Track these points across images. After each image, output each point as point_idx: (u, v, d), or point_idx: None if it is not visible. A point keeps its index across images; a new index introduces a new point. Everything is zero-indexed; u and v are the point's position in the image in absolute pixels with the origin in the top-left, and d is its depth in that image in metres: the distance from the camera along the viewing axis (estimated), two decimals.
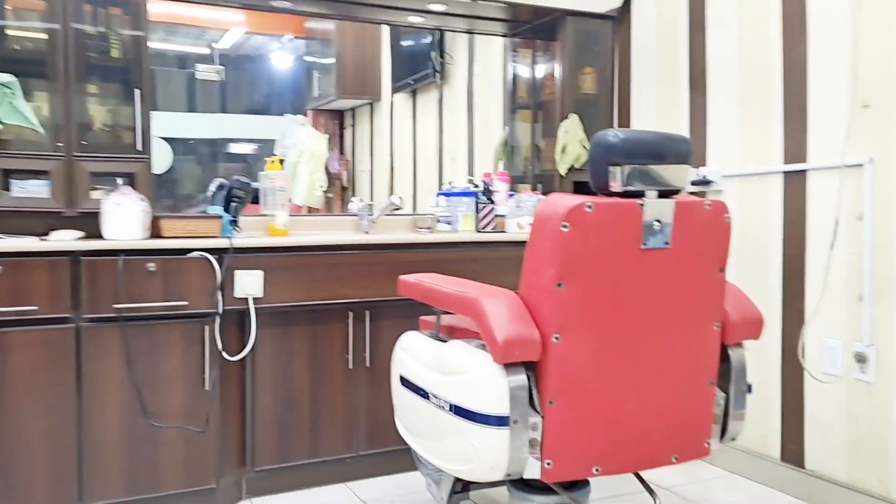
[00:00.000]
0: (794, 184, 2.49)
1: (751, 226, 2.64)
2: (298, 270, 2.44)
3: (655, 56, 3.09)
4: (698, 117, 2.88)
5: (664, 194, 1.66)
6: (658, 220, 1.64)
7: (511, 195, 3.12)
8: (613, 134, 1.64)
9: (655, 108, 3.10)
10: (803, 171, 2.46)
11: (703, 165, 2.83)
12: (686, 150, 1.70)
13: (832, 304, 2.37)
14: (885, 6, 2.19)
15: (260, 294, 2.37)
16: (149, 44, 2.47)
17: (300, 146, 3.92)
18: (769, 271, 2.58)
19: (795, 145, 2.49)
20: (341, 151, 4.63)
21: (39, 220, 2.34)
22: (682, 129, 2.94)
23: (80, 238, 2.26)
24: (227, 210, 2.52)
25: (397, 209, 3.04)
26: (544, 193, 3.14)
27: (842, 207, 2.33)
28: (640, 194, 1.63)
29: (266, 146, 4.04)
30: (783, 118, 2.53)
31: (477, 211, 3.02)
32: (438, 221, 3.09)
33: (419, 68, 4.03)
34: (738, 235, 2.67)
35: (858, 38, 2.26)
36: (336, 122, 4.62)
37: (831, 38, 2.36)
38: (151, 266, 2.22)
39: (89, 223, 2.32)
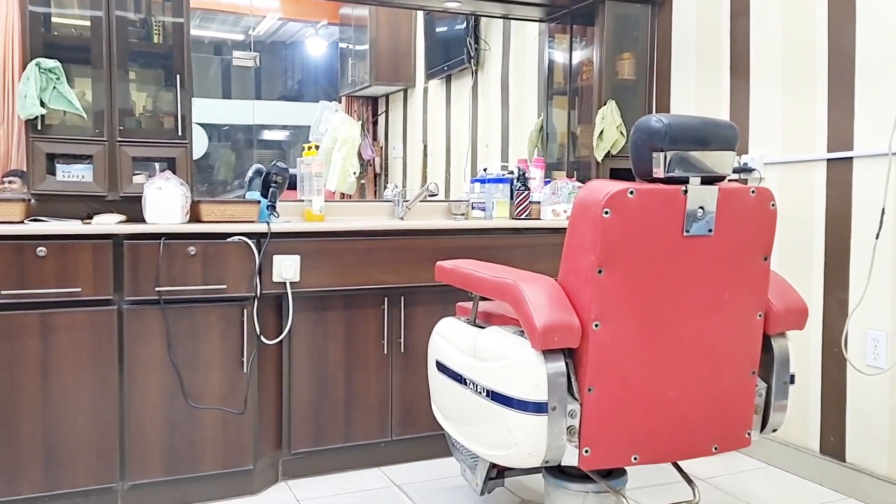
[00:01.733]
0: (839, 172, 2.44)
1: (793, 214, 2.59)
2: (334, 255, 2.46)
3: (696, 41, 3.03)
4: (740, 103, 2.82)
5: (707, 181, 1.64)
6: (702, 208, 1.62)
7: (547, 182, 3.10)
8: (657, 119, 1.61)
9: (695, 94, 3.05)
10: (849, 159, 2.40)
11: (745, 153, 2.78)
12: (732, 137, 1.67)
13: (877, 295, 2.31)
14: None
15: (297, 278, 2.39)
16: (190, 30, 2.49)
17: (333, 132, 3.92)
18: (811, 260, 2.53)
19: (840, 132, 2.43)
20: (374, 138, 4.64)
21: (83, 204, 2.38)
22: (722, 115, 2.89)
23: (121, 222, 2.30)
24: (264, 195, 2.54)
25: (433, 195, 3.03)
26: (580, 180, 3.11)
27: (889, 196, 2.27)
28: (683, 181, 1.61)
29: (300, 132, 4.06)
30: (828, 104, 2.47)
31: (512, 197, 3.01)
32: (473, 208, 3.08)
33: (454, 54, 4.01)
34: (780, 224, 2.61)
35: None
36: (369, 109, 4.64)
37: (881, 22, 2.29)
38: (192, 250, 2.25)
39: (131, 207, 2.35)
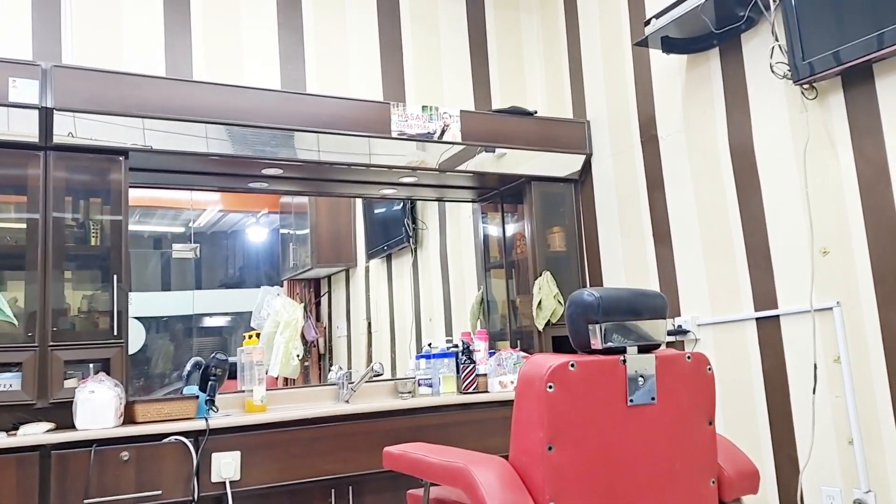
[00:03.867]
0: (769, 330, 2.54)
1: (732, 374, 2.65)
2: (277, 448, 2.36)
3: (618, 213, 3.23)
4: (667, 269, 2.97)
5: (644, 349, 1.68)
6: (641, 376, 1.64)
7: (491, 353, 3.12)
8: (589, 293, 1.67)
9: (623, 262, 3.20)
10: (776, 317, 2.51)
11: (678, 315, 2.88)
12: (662, 305, 1.74)
13: (824, 449, 2.33)
14: (827, 158, 2.35)
15: (237, 476, 2.27)
16: (128, 228, 2.52)
17: (276, 316, 3.92)
18: (756, 419, 2.56)
19: (765, 292, 2.56)
20: (318, 318, 4.63)
21: (9, 414, 2.26)
22: (651, 281, 3.02)
23: (50, 430, 2.18)
24: (203, 389, 2.46)
25: (378, 375, 3.00)
26: (524, 350, 3.14)
27: (818, 351, 2.36)
28: (621, 350, 1.65)
29: (241, 318, 4.03)
30: (748, 266, 2.62)
31: (458, 371, 3.00)
32: (420, 385, 3.05)
33: (393, 235, 4.15)
34: (721, 384, 2.67)
35: (809, 187, 2.40)
36: (312, 290, 4.66)
37: (784, 190, 2.50)
38: (125, 455, 2.13)
39: (62, 413, 2.25)
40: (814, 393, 2.35)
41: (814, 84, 2.37)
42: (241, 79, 3.06)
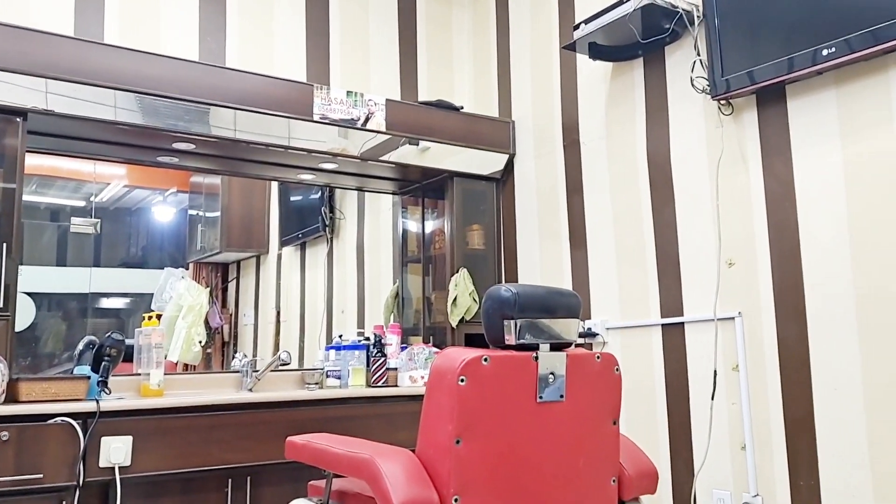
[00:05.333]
0: (673, 336, 2.61)
1: (636, 377, 2.72)
2: (172, 434, 2.25)
3: (537, 215, 3.26)
4: (581, 272, 3.01)
5: (556, 347, 1.69)
6: (552, 373, 1.65)
7: (403, 348, 3.08)
8: (506, 288, 1.66)
9: (540, 263, 3.23)
10: (681, 324, 2.59)
11: (588, 318, 2.93)
12: (576, 305, 1.75)
13: (718, 454, 2.42)
14: (738, 173, 2.44)
15: (128, 462, 2.15)
16: (22, 197, 2.35)
17: (179, 300, 3.75)
18: (657, 422, 2.63)
19: (672, 299, 2.63)
20: (224, 305, 4.47)
21: None
22: (565, 283, 3.06)
23: None
24: (95, 370, 2.32)
25: (285, 364, 2.92)
26: (436, 346, 3.12)
27: (719, 359, 2.44)
28: (533, 347, 1.65)
29: (141, 300, 3.84)
30: (657, 274, 2.69)
31: (368, 364, 2.95)
32: (328, 376, 2.99)
33: (308, 222, 4.05)
34: (626, 387, 2.73)
35: (719, 200, 2.49)
36: (219, 275, 4.49)
37: (696, 202, 2.58)
38: (4, 435, 1.98)
39: None
40: (712, 399, 2.43)
41: (730, 101, 2.45)
42: (157, 46, 2.91)
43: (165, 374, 2.58)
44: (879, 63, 2.09)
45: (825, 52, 2.10)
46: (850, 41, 2.05)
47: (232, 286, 4.48)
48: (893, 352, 2.02)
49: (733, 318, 2.40)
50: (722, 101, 2.46)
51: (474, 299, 3.16)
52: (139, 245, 4.48)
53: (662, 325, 2.64)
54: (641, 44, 2.67)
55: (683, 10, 2.50)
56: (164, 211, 4.39)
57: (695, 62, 2.54)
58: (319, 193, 3.98)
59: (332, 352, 3.02)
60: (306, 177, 3.33)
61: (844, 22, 2.07)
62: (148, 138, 2.76)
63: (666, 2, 2.49)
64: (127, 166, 3.59)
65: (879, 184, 2.08)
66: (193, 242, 4.34)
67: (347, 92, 2.95)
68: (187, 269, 4.24)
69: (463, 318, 3.15)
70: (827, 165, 2.20)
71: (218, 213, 4.20)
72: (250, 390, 2.79)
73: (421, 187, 3.48)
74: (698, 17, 2.50)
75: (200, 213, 4.35)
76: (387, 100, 3.04)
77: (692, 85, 2.56)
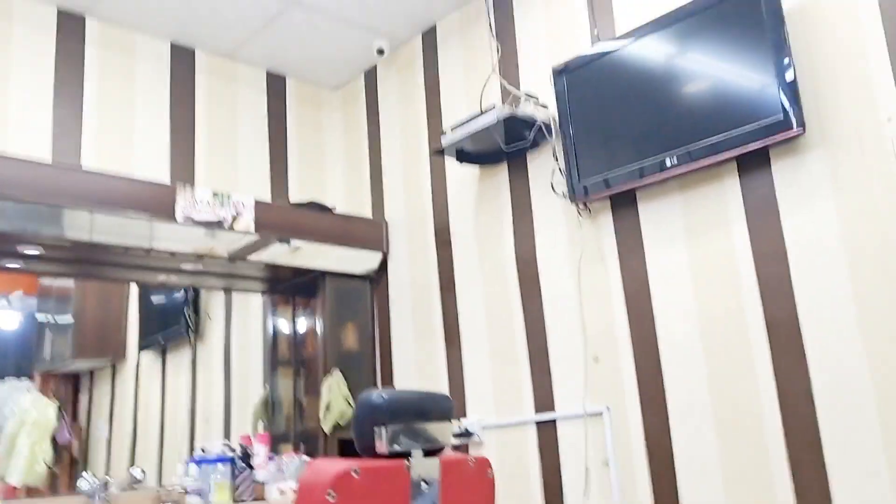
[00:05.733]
0: (546, 433, 2.63)
1: (512, 476, 2.70)
2: None
3: (412, 313, 3.26)
4: (456, 371, 3.01)
5: (429, 452, 1.65)
6: (425, 480, 1.60)
7: (272, 458, 2.92)
8: (377, 394, 1.63)
9: (416, 363, 3.20)
10: (553, 421, 2.62)
11: (464, 416, 2.91)
12: (448, 408, 1.73)
13: None
14: (598, 271, 2.56)
15: None
16: None
17: (23, 415, 3.41)
18: None
19: (544, 395, 2.67)
20: (74, 418, 4.10)
21: None
22: (441, 382, 3.04)
23: None
24: None
25: (138, 482, 2.68)
26: (308, 453, 2.98)
27: (589, 455, 2.48)
28: (406, 454, 1.61)
29: None
30: (530, 370, 2.73)
31: (233, 478, 2.76)
32: (188, 493, 2.76)
33: (171, 324, 3.84)
34: (501, 487, 2.70)
35: (582, 296, 2.59)
36: (70, 386, 4.13)
37: (561, 299, 2.67)
38: None
39: None
40: (585, 496, 2.45)
41: (587, 204, 2.60)
42: (5, 146, 2.75)
43: (3, 499, 2.29)
44: (715, 172, 2.29)
45: (668, 163, 2.29)
46: (690, 152, 2.25)
47: (84, 398, 4.13)
48: (747, 438, 2.13)
49: (601, 413, 2.46)
50: (580, 204, 2.60)
51: (349, 403, 3.07)
52: None
53: (536, 422, 2.67)
54: (505, 151, 2.81)
55: (542, 121, 2.66)
56: (7, 316, 4.03)
57: (554, 169, 2.69)
58: (183, 293, 3.80)
59: (193, 466, 2.81)
60: (169, 278, 3.18)
61: (685, 134, 2.27)
62: None
63: (525, 114, 2.64)
64: None
65: (722, 279, 2.24)
66: (41, 351, 3.98)
67: (214, 193, 2.88)
68: (33, 380, 3.87)
69: (337, 423, 3.04)
70: (676, 263, 2.35)
71: (70, 318, 3.90)
72: None
73: (292, 286, 3.40)
74: (555, 127, 2.67)
75: (50, 318, 4.02)
76: (256, 201, 3.00)
77: (553, 189, 2.70)
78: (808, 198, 2.10)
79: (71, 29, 3.02)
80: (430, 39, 3.34)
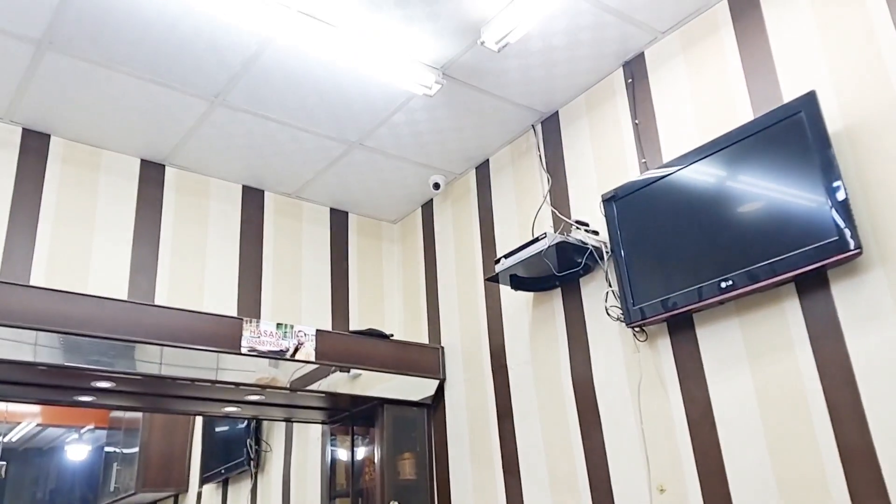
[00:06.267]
0: None
1: None
2: None
3: (469, 441, 3.21)
4: (515, 501, 2.92)
5: None
6: None
7: None
8: None
9: (472, 491, 3.12)
10: None
11: None
12: None
13: None
14: (659, 397, 2.50)
15: None
16: None
17: None
18: None
19: None
20: None
21: None
22: None
23: None
24: None
25: None
26: None
27: None
28: None
29: None
30: (591, 501, 2.63)
31: None
32: None
33: (233, 457, 3.87)
34: None
35: (644, 424, 2.52)
36: None
37: (622, 427, 2.60)
38: None
39: None
40: None
41: (644, 328, 2.58)
42: (86, 286, 2.94)
43: None
44: (773, 294, 2.27)
45: (724, 284, 2.28)
46: (747, 273, 2.24)
47: None
48: None
49: None
50: (636, 329, 2.59)
51: None
52: (47, 488, 4.15)
53: None
54: (557, 276, 2.85)
55: (593, 246, 2.71)
56: (78, 449, 4.14)
57: (607, 292, 2.71)
58: (245, 424, 3.85)
59: None
60: (232, 409, 3.24)
61: (739, 256, 2.27)
62: (66, 377, 2.68)
63: (576, 240, 2.70)
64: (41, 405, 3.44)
65: (789, 403, 2.16)
66: (107, 483, 4.05)
67: (277, 324, 2.98)
68: None
69: None
70: (740, 387, 2.29)
71: (136, 450, 3.98)
72: None
73: (351, 415, 3.42)
74: (607, 252, 2.71)
75: (118, 450, 4.11)
76: (317, 330, 3.08)
77: (607, 313, 2.70)
78: (871, 318, 2.05)
79: (151, 176, 3.28)
80: (483, 173, 3.49)
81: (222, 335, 2.83)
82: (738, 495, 2.22)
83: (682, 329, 2.49)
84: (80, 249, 2.99)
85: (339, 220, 3.82)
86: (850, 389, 2.05)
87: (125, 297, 2.99)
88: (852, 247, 2.03)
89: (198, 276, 3.26)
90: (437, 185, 3.57)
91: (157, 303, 3.06)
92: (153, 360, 2.79)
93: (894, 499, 1.91)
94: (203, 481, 4.07)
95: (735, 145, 2.36)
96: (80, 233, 3.01)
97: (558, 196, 3.06)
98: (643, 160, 2.74)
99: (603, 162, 2.91)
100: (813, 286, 2.19)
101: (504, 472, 3.00)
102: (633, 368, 2.61)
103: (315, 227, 3.73)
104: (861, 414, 2.02)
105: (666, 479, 2.42)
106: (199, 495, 4.10)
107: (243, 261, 3.41)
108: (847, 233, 2.04)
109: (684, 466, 2.38)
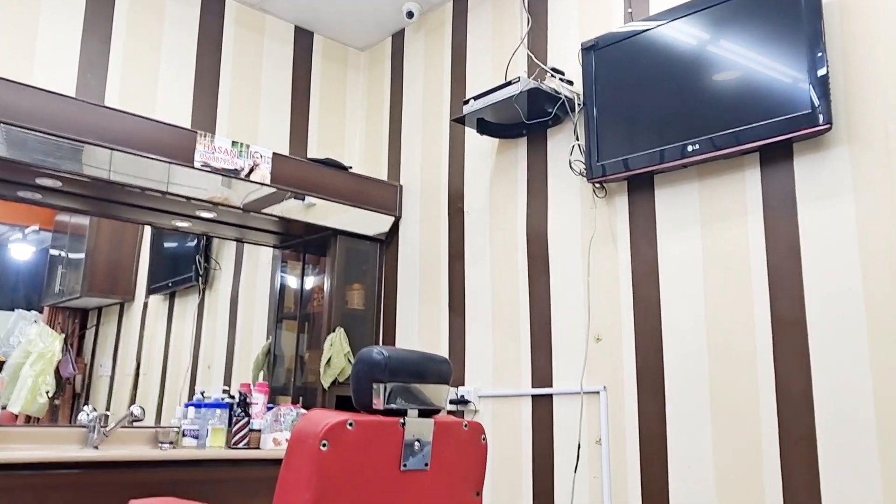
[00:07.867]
0: (542, 407, 2.65)
1: (504, 447, 2.73)
2: (1, 494, 2.03)
3: (419, 279, 3.27)
4: (458, 339, 3.03)
5: (424, 413, 1.67)
6: (418, 440, 1.62)
7: (270, 408, 2.96)
8: (378, 351, 1.64)
9: (418, 326, 3.22)
10: (549, 396, 2.64)
11: (462, 385, 2.93)
12: (447, 371, 1.74)
13: None
14: (608, 252, 2.56)
15: None
16: None
17: (28, 346, 3.47)
18: (521, 493, 2.64)
19: (542, 370, 2.68)
20: (79, 353, 4.16)
21: None
22: (442, 348, 3.06)
23: None
24: None
25: (138, 420, 2.73)
26: (306, 407, 3.02)
27: (583, 432, 2.50)
28: (402, 412, 1.62)
29: None
30: (530, 345, 2.74)
31: (230, 424, 2.81)
32: (184, 435, 2.81)
33: (181, 272, 3.87)
34: (493, 457, 2.73)
35: (590, 276, 2.59)
36: (77, 321, 4.19)
37: (569, 278, 2.67)
38: None
39: None
40: (575, 472, 2.47)
41: (604, 184, 2.58)
42: (31, 77, 2.76)
43: (2, 426, 2.34)
44: (737, 162, 2.27)
45: (690, 149, 2.27)
46: (713, 140, 2.23)
47: (90, 334, 4.18)
48: (741, 433, 2.14)
49: (598, 392, 2.48)
50: (597, 185, 2.59)
51: (349, 360, 3.10)
52: None
53: (532, 395, 2.68)
54: (526, 124, 2.79)
55: (566, 96, 2.65)
56: (21, 249, 4.07)
57: (574, 146, 2.68)
58: (195, 242, 3.83)
59: (192, 409, 2.85)
60: (183, 224, 3.21)
61: (709, 122, 2.25)
62: (9, 172, 2.57)
63: (550, 88, 2.62)
64: None
65: (732, 270, 2.23)
66: (52, 285, 4.03)
67: (233, 142, 2.89)
68: (41, 312, 3.93)
69: (336, 379, 3.07)
70: (687, 250, 2.35)
71: (82, 255, 3.94)
72: (96, 447, 2.58)
73: (303, 242, 3.42)
74: (579, 105, 2.65)
75: (63, 254, 4.06)
76: (274, 153, 3.00)
77: (570, 167, 2.69)
78: (827, 195, 2.08)
79: None
80: (460, 6, 3.31)
81: (175, 146, 2.73)
82: (670, 350, 2.34)
83: (641, 188, 2.50)
84: (26, 33, 2.78)
85: (303, 41, 3.63)
86: (794, 261, 2.11)
87: (73, 94, 2.83)
88: (822, 121, 2.02)
89: (151, 81, 3.09)
90: (410, 14, 3.39)
91: (107, 104, 2.91)
92: (102, 165, 2.70)
93: (815, 364, 2.03)
94: (150, 292, 4.10)
95: (726, 3, 2.27)
96: (26, 15, 2.79)
97: (537, 40, 2.93)
98: (629, 10, 2.62)
99: (588, 7, 2.78)
100: (777, 158, 2.19)
101: (450, 310, 3.09)
102: (588, 223, 2.63)
103: (278, 45, 3.53)
104: (799, 286, 2.09)
105: (604, 329, 2.52)
106: (146, 305, 4.14)
107: (200, 70, 3.24)
108: (820, 107, 2.02)
109: (623, 319, 2.47)
